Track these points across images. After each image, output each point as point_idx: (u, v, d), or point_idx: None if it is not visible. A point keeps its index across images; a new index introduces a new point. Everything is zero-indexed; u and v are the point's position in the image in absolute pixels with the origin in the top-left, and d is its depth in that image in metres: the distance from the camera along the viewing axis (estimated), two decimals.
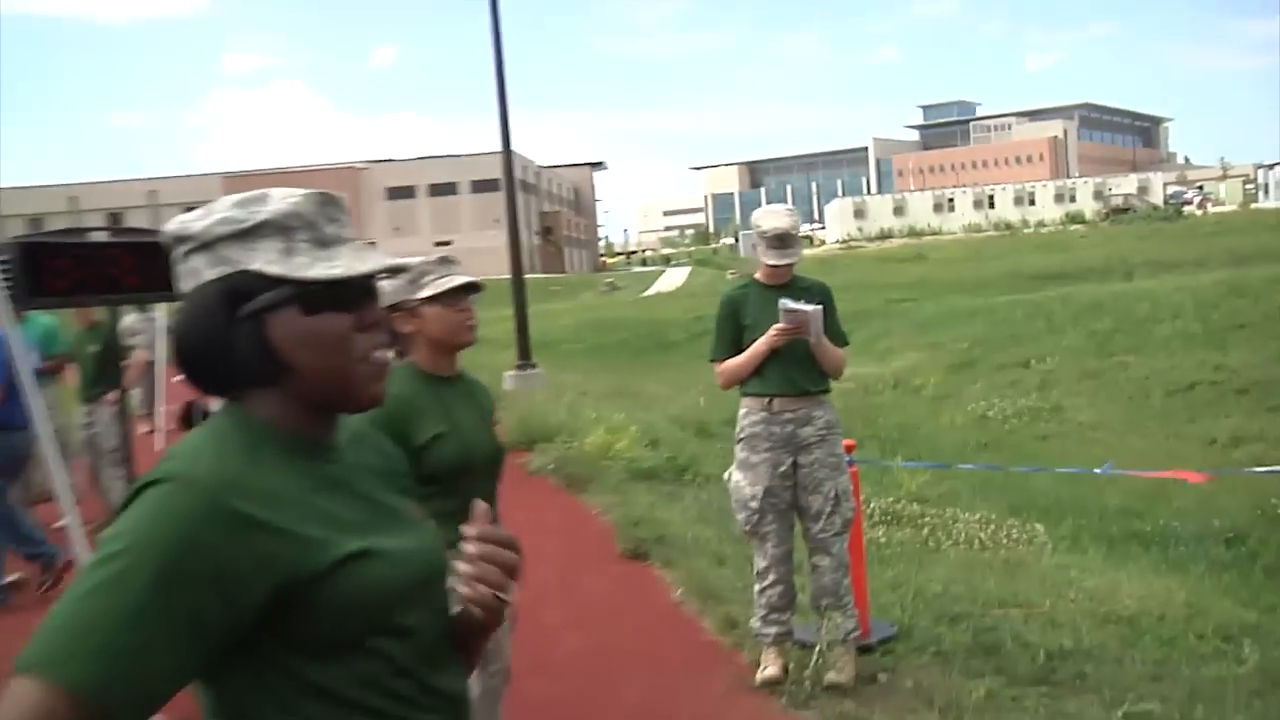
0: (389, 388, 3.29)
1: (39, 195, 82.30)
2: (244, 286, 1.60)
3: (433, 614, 1.74)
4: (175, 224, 1.68)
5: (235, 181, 77.42)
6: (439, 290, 3.37)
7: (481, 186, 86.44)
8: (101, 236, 5.82)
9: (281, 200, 1.65)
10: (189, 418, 18.74)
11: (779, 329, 5.31)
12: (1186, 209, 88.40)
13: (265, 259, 1.61)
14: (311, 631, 1.56)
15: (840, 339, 5.66)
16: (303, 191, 1.68)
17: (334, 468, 1.71)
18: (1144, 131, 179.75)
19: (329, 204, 1.70)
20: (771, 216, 5.61)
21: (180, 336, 1.64)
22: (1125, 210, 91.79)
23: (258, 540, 1.51)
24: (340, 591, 1.57)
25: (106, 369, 9.87)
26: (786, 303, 5.32)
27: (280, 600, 1.52)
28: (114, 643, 1.39)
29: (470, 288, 3.45)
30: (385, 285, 3.36)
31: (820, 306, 5.42)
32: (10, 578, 8.51)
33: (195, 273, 1.64)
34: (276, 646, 1.55)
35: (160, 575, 1.43)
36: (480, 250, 70.23)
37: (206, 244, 1.64)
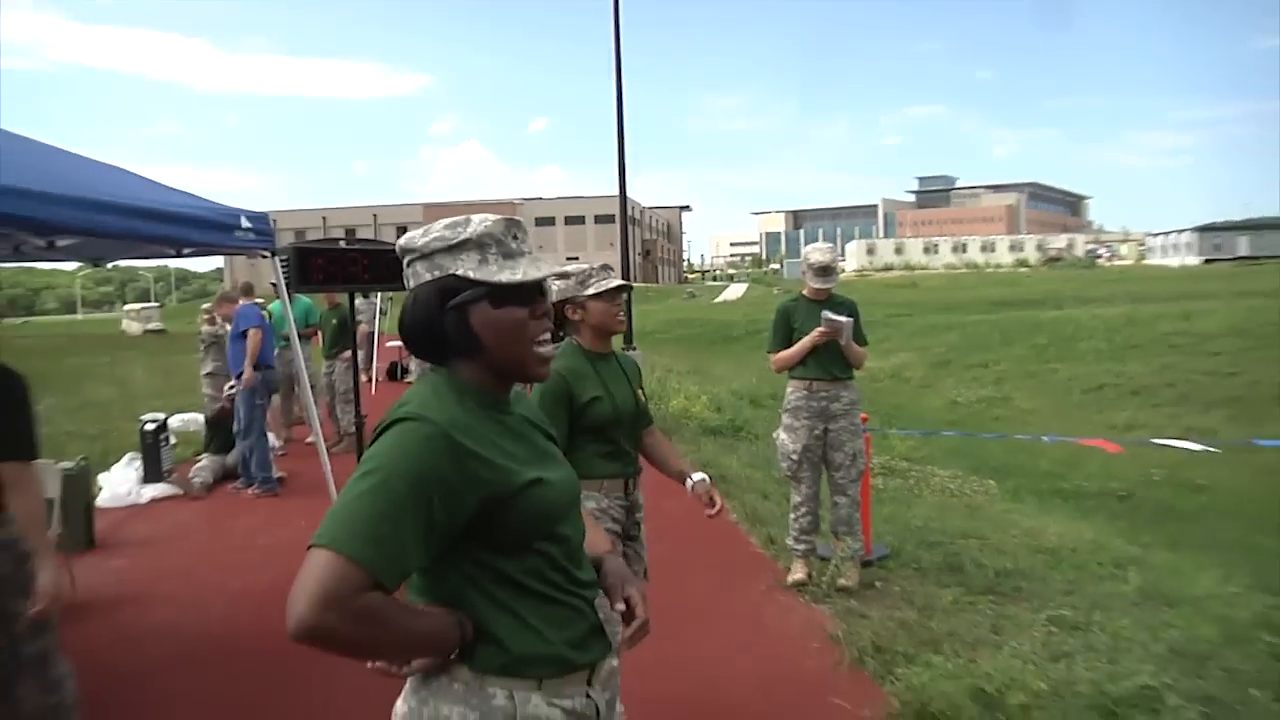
0: (563, 361, 3.23)
1: (301, 215, 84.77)
2: (451, 286, 1.65)
3: (577, 527, 1.78)
4: (404, 240, 1.71)
5: (431, 210, 78.61)
6: (601, 289, 3.30)
7: (602, 220, 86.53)
8: (343, 245, 5.90)
9: (479, 223, 1.67)
10: (393, 372, 19.15)
11: (820, 332, 5.28)
12: (1099, 261, 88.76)
13: (467, 266, 1.65)
14: (501, 535, 1.61)
15: (862, 340, 5.58)
16: (494, 216, 1.69)
17: (508, 418, 1.73)
18: (1072, 204, 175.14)
19: (514, 226, 1.70)
20: (818, 253, 5.57)
21: (406, 320, 1.68)
22: (1058, 259, 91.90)
23: (472, 465, 1.56)
24: (524, 507, 1.62)
25: (342, 335, 10.11)
26: (828, 314, 5.28)
27: (483, 511, 1.58)
28: (380, 530, 1.45)
29: (623, 288, 3.38)
30: (559, 284, 3.33)
31: (851, 319, 5.37)
32: (279, 474, 8.71)
33: (418, 275, 1.68)
34: (475, 545, 1.60)
35: (410, 485, 1.49)
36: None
37: (425, 255, 1.67)
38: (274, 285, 5.78)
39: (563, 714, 1.65)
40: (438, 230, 1.68)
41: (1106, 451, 11.04)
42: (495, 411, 1.70)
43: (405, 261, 1.70)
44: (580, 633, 1.70)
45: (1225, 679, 4.08)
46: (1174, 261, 78.72)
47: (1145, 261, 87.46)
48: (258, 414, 8.41)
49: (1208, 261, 73.10)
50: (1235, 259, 72.83)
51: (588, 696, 1.70)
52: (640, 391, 3.47)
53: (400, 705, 1.67)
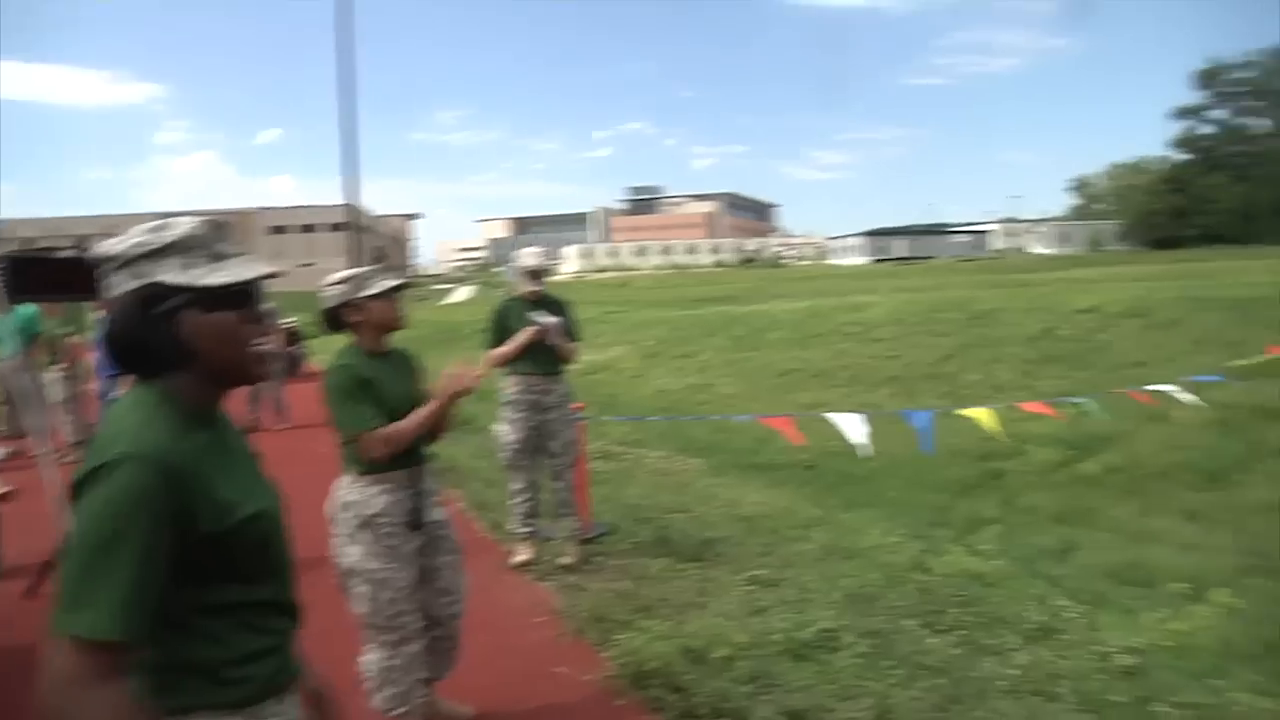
0: (345, 360, 3.09)
1: (36, 224, 75.86)
2: (155, 293, 1.46)
3: (285, 548, 1.62)
4: (101, 248, 1.51)
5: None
6: (380, 290, 3.20)
7: (335, 228, 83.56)
8: (67, 254, 5.31)
9: (181, 227, 1.50)
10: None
11: (531, 332, 5.26)
12: (784, 261, 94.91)
13: (170, 272, 1.47)
14: (217, 568, 1.47)
15: (576, 336, 5.60)
16: (198, 219, 1.53)
17: (221, 433, 1.56)
18: (762, 212, 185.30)
19: (219, 228, 1.54)
20: (529, 256, 5.56)
21: (111, 334, 1.48)
22: (751, 260, 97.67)
23: (194, 500, 1.41)
24: (243, 541, 1.48)
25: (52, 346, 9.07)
26: (535, 316, 5.28)
27: (201, 545, 1.42)
28: (135, 581, 1.34)
29: (401, 287, 3.27)
30: (334, 290, 3.18)
31: (560, 319, 5.37)
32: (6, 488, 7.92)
33: (119, 284, 1.48)
34: (187, 578, 1.43)
35: (142, 534, 1.34)
36: (332, 272, 68.05)
37: (125, 262, 1.48)
38: None
39: None
40: (138, 235, 1.49)
41: (792, 428, 11.71)
42: (207, 427, 1.52)
43: (105, 270, 1.50)
44: (280, 660, 1.58)
45: (887, 615, 4.43)
46: (848, 261, 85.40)
47: (825, 261, 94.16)
48: None
49: (875, 261, 79.82)
50: (895, 259, 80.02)
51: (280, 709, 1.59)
52: (421, 387, 3.36)
53: None
